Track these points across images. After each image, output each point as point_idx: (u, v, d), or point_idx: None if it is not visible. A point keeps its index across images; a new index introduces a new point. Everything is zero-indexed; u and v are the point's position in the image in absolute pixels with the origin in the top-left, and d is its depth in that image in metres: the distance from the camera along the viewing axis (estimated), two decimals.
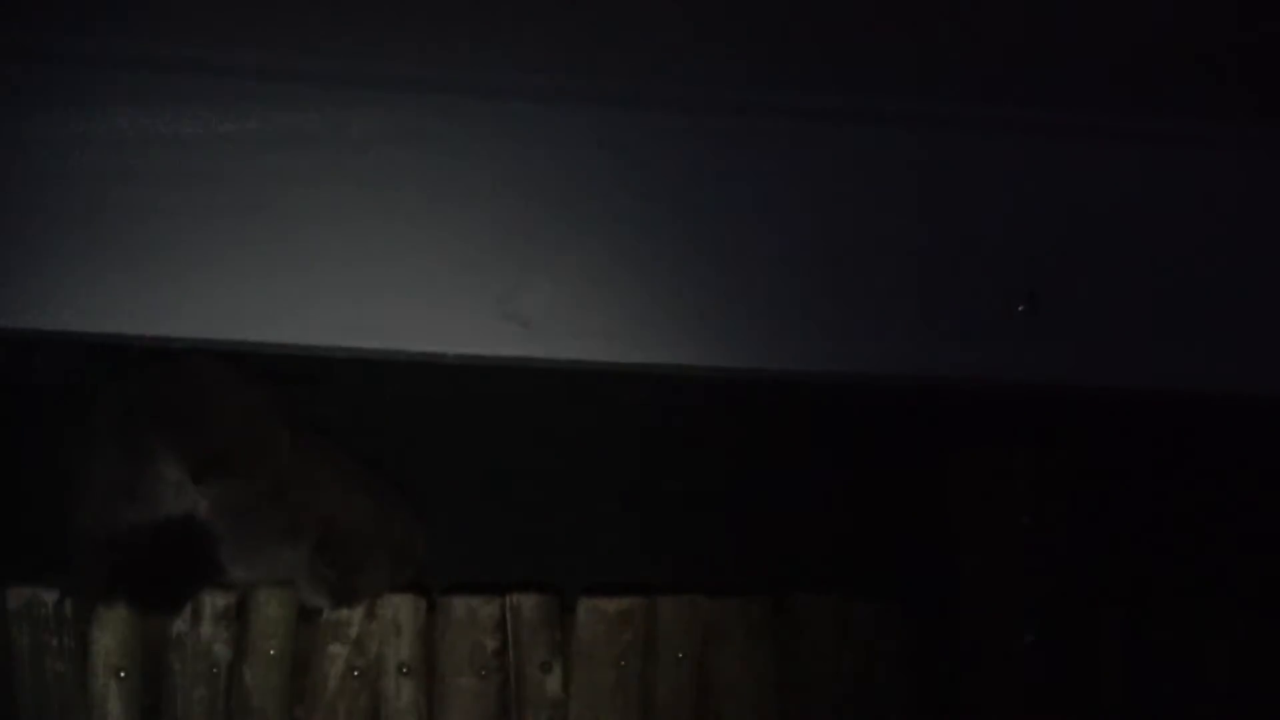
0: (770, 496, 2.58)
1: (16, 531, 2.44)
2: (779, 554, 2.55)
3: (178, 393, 2.37)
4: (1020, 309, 2.41)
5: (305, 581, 2.41)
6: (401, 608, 2.42)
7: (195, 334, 2.36)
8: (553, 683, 2.43)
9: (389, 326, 2.39)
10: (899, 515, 2.56)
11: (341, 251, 2.37)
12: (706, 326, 2.42)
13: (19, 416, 2.47)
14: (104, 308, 2.36)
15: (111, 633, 2.40)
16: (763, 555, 2.54)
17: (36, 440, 2.45)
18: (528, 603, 2.43)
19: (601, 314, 2.39)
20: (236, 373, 2.41)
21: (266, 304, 2.37)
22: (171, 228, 2.35)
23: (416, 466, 2.52)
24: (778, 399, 2.53)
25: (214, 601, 2.39)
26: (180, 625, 2.40)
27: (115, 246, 2.35)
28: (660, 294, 2.41)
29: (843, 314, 2.43)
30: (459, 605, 2.42)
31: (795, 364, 2.43)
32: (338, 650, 2.40)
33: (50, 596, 2.39)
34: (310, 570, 2.40)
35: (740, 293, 2.43)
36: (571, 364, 2.39)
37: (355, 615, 2.41)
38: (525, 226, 2.40)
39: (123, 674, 2.38)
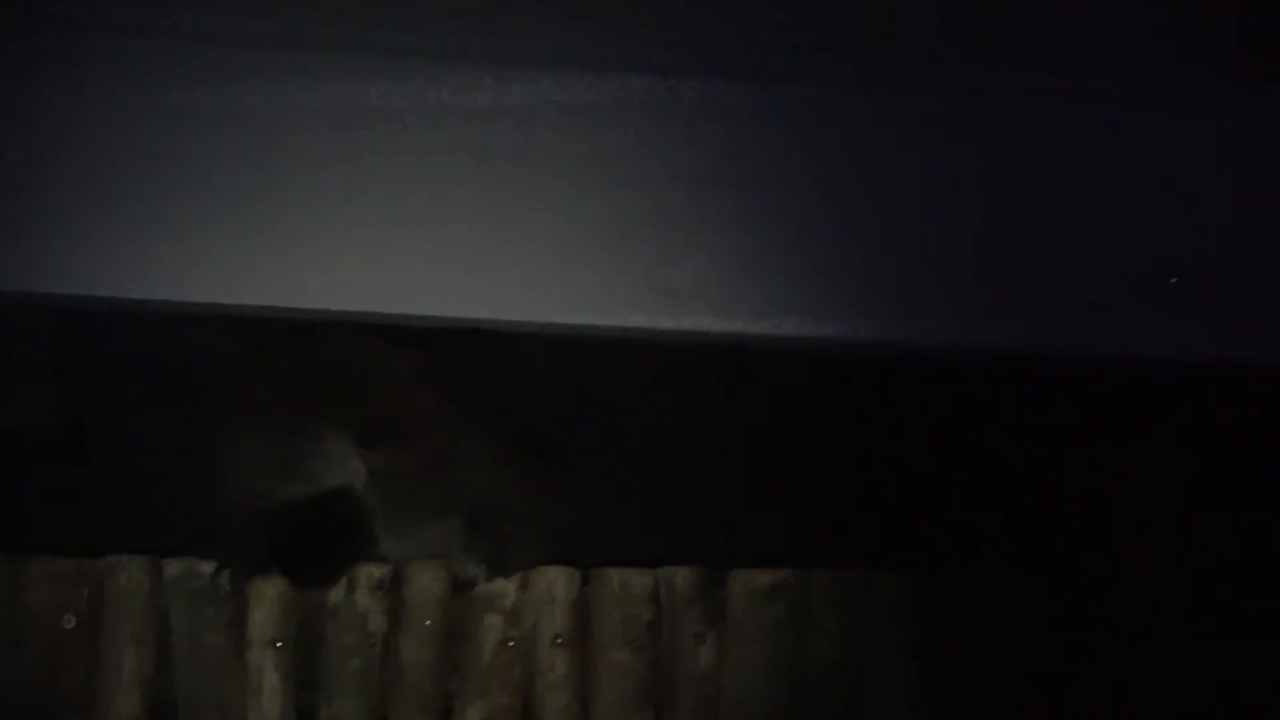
0: (920, 470, 2.57)
1: (171, 505, 2.45)
2: (929, 528, 2.54)
3: (337, 364, 2.39)
4: (1173, 281, 2.41)
5: (459, 554, 2.42)
6: (556, 580, 2.43)
7: (343, 306, 2.37)
8: (705, 656, 2.44)
9: (536, 299, 2.40)
10: (1049, 488, 2.55)
11: (489, 225, 2.38)
12: (856, 300, 2.42)
13: (166, 391, 2.49)
14: (248, 281, 2.38)
15: (267, 605, 2.41)
16: (913, 529, 2.54)
17: (183, 415, 2.46)
18: (680, 575, 2.44)
19: (751, 288, 2.40)
20: (386, 345, 2.42)
21: (415, 277, 2.38)
22: (318, 203, 2.37)
23: (564, 441, 2.53)
24: (926, 373, 2.53)
25: (369, 573, 2.41)
26: (336, 596, 2.40)
27: (260, 220, 2.38)
28: (810, 268, 2.41)
29: (995, 289, 2.42)
30: (613, 577, 2.44)
31: (947, 338, 2.42)
32: (493, 621, 2.42)
33: (206, 568, 2.41)
34: (464, 542, 2.42)
35: (887, 266, 2.42)
36: (719, 338, 2.40)
37: (510, 587, 2.42)
38: (674, 200, 2.40)
39: (279, 645, 2.39)
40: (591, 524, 2.49)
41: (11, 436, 2.53)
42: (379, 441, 2.39)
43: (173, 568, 2.44)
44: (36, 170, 2.35)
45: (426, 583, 2.43)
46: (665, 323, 2.40)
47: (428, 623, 2.42)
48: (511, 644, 2.43)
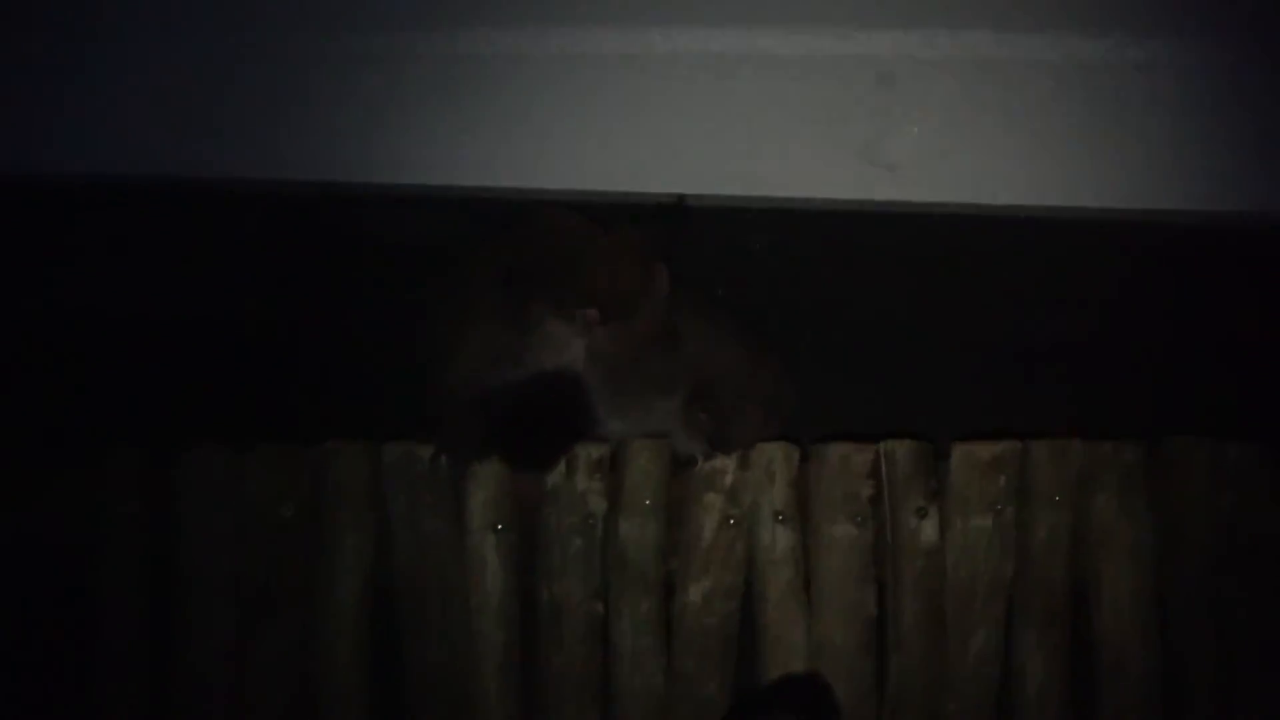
0: (1142, 340, 2.54)
1: (390, 389, 2.46)
2: (1153, 398, 2.51)
3: (555, 247, 2.38)
4: None
5: (679, 432, 2.42)
6: (775, 456, 2.43)
7: (561, 186, 2.37)
8: (928, 530, 2.43)
9: (753, 173, 2.39)
10: (1272, 357, 2.51)
11: (706, 99, 2.37)
12: (1074, 168, 2.39)
13: (384, 277, 2.50)
14: (468, 163, 2.38)
15: (487, 488, 2.42)
16: (1136, 399, 2.51)
17: (405, 298, 2.47)
18: (901, 449, 2.43)
19: (968, 157, 2.37)
20: (601, 226, 2.42)
21: (632, 154, 2.38)
22: (535, 81, 2.37)
23: (785, 315, 2.52)
24: (1145, 241, 2.50)
25: (588, 454, 2.41)
26: (555, 478, 2.41)
27: (478, 101, 2.37)
28: (1027, 135, 2.38)
29: (1226, 154, 2.38)
30: (832, 452, 2.43)
31: (1168, 204, 2.39)
32: (713, 499, 2.42)
33: (425, 453, 2.42)
34: (685, 420, 2.41)
35: (1112, 134, 2.39)
36: (937, 208, 2.38)
37: (729, 464, 2.42)
38: (892, 71, 2.38)
39: (499, 528, 2.39)
40: (812, 400, 2.47)
41: (229, 325, 2.54)
42: (606, 313, 2.38)
43: (391, 452, 2.43)
44: (251, 58, 2.35)
45: (645, 462, 2.42)
46: (883, 195, 2.38)
47: (647, 502, 2.41)
48: (732, 522, 2.42)
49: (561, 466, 2.42)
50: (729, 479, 2.42)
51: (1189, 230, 2.44)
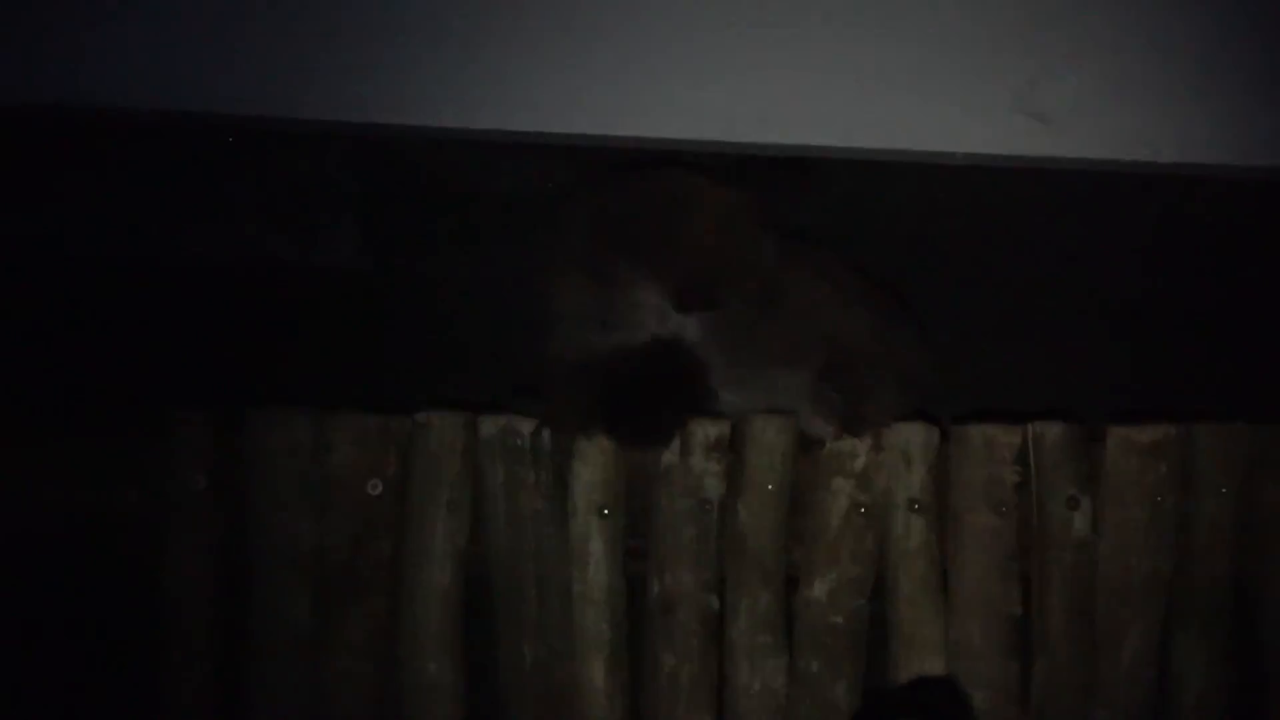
0: None
1: (486, 356, 2.29)
2: None
3: (650, 211, 2.20)
4: None
5: (806, 408, 2.23)
6: (912, 437, 2.25)
7: (681, 135, 2.19)
8: (1079, 521, 2.24)
9: (892, 123, 2.21)
10: None
11: (840, 44, 2.19)
12: (1248, 123, 2.19)
13: (488, 228, 2.33)
14: (574, 108, 2.20)
15: (593, 467, 2.25)
16: None
17: (499, 256, 2.29)
18: (1052, 432, 2.24)
19: (1130, 109, 2.18)
20: (715, 181, 2.22)
21: (758, 101, 2.21)
22: (655, 26, 2.18)
23: (922, 280, 2.34)
24: None
25: (705, 431, 2.23)
26: (668, 457, 2.23)
27: (592, 46, 2.20)
28: (1194, 88, 2.18)
29: None
30: (975, 435, 2.24)
31: None
32: (842, 484, 2.24)
33: (526, 427, 2.26)
34: (813, 396, 2.23)
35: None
36: (1095, 164, 2.18)
37: (861, 446, 2.23)
38: (1048, 12, 2.18)
39: (605, 511, 2.23)
40: (953, 374, 2.28)
41: (312, 279, 2.37)
42: (695, 297, 2.19)
43: (488, 425, 2.27)
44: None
45: (769, 441, 2.24)
46: (1036, 149, 2.18)
47: (770, 486, 2.24)
48: (862, 509, 2.24)
49: (675, 444, 2.20)
50: (860, 462, 2.24)
51: None
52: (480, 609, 2.27)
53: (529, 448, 2.24)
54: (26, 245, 2.37)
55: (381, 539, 2.28)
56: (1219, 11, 2.21)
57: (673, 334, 2.23)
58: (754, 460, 2.24)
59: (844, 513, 2.25)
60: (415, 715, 2.28)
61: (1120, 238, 2.35)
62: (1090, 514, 2.25)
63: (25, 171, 2.35)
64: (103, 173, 2.36)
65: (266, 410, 2.28)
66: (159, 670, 2.26)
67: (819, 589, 2.25)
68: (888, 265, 2.33)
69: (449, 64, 2.16)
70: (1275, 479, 2.26)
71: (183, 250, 2.38)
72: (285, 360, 2.33)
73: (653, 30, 2.17)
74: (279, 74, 2.18)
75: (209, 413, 2.28)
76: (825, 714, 2.26)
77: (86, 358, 2.32)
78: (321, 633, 2.28)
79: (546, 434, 2.24)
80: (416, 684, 2.28)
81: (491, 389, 2.28)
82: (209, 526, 2.29)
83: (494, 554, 2.29)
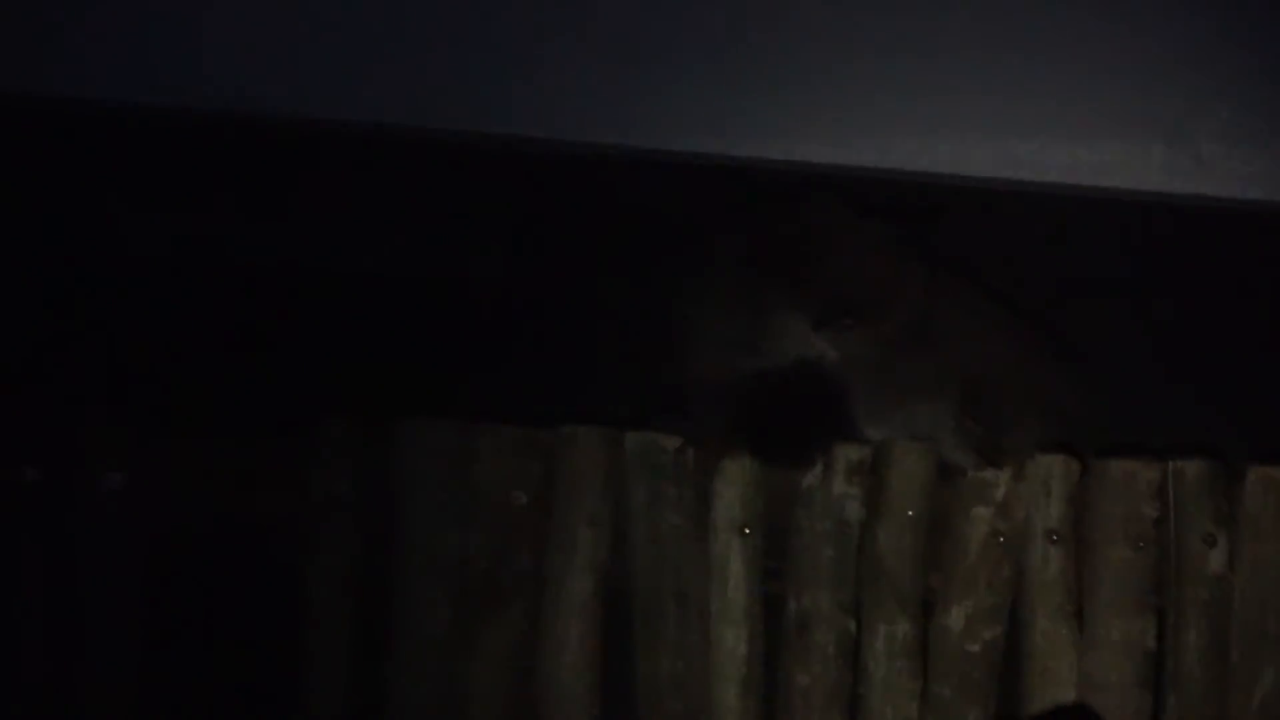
0: None
1: (633, 372, 2.33)
2: None
3: (797, 237, 2.24)
4: None
5: (948, 438, 2.27)
6: (1053, 469, 2.28)
7: (831, 160, 2.22)
8: (1216, 557, 2.27)
9: (1043, 158, 2.22)
10: None
11: (990, 76, 2.20)
12: None
13: (637, 246, 2.37)
14: (733, 128, 2.23)
15: (735, 486, 2.29)
16: None
17: (653, 273, 2.33)
18: (1192, 468, 2.26)
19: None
20: (864, 208, 2.26)
21: (914, 130, 2.22)
22: (811, 50, 2.21)
23: (1065, 311, 2.35)
24: None
25: (847, 455, 2.27)
26: (810, 480, 2.28)
27: (745, 65, 2.23)
28: None
29: None
30: (1115, 469, 2.27)
31: None
32: (981, 513, 2.27)
33: (671, 444, 2.30)
34: (955, 426, 2.26)
35: None
36: (1245, 204, 2.19)
37: (1001, 476, 2.27)
38: (1201, 47, 2.19)
39: (746, 531, 2.26)
40: (1095, 407, 2.30)
41: (460, 291, 2.42)
42: (838, 321, 2.23)
43: (633, 441, 2.31)
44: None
45: (910, 467, 2.29)
46: (1186, 186, 2.20)
47: (910, 512, 2.27)
48: (1001, 539, 2.26)
49: (818, 467, 2.24)
50: (1000, 492, 2.27)
51: None
52: (619, 624, 2.28)
53: (672, 464, 2.27)
54: (180, 249, 2.42)
55: (523, 551, 2.31)
56: None
57: (818, 359, 2.26)
58: (894, 485, 2.27)
59: (982, 541, 2.28)
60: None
61: (1267, 276, 2.36)
62: (1228, 551, 2.25)
63: (178, 175, 2.40)
64: (255, 179, 2.41)
65: (413, 420, 2.31)
66: (299, 675, 2.30)
67: (955, 616, 2.28)
68: (1035, 298, 2.35)
69: (604, 78, 2.20)
70: None
71: (336, 260, 2.42)
72: (434, 372, 2.37)
73: (809, 55, 2.20)
74: (428, 83, 2.22)
75: (356, 421, 2.31)
76: None
77: (240, 364, 2.37)
78: (460, 642, 2.31)
79: (690, 452, 2.26)
80: (553, 696, 2.31)
81: (637, 406, 2.30)
82: (353, 534, 2.32)
83: (634, 569, 2.33)
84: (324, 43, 2.21)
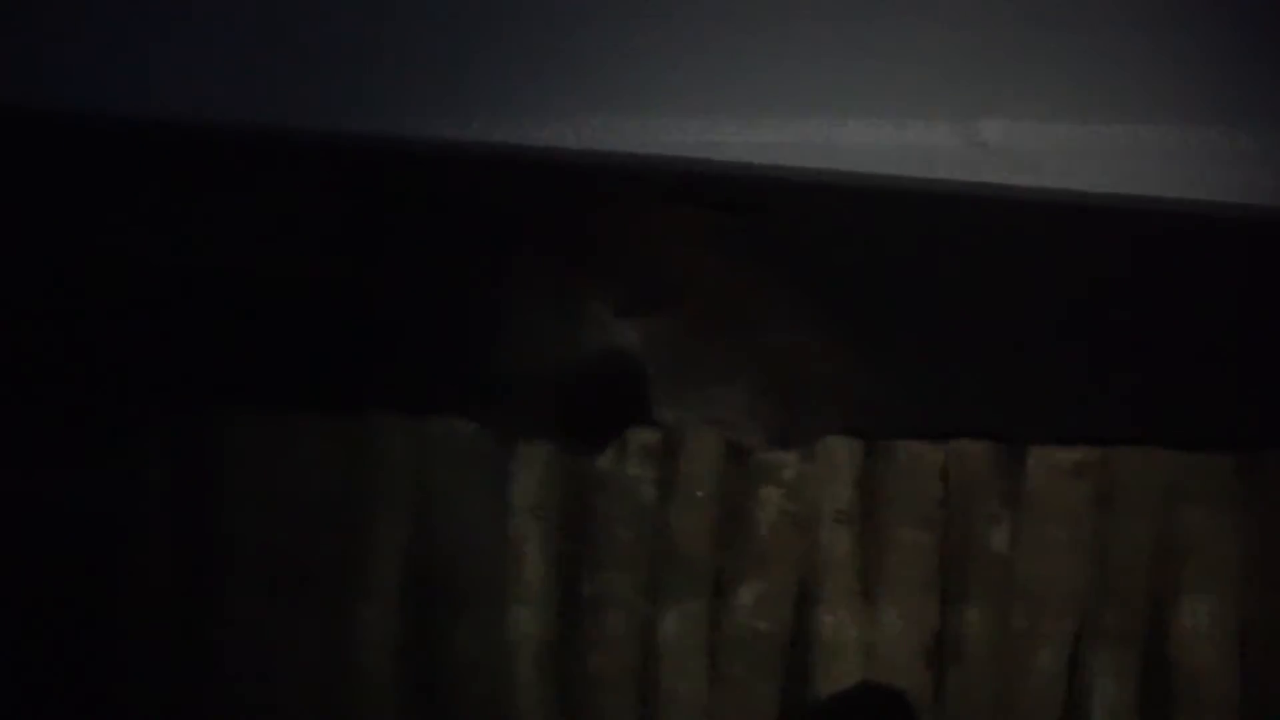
0: (1241, 344, 2.43)
1: (436, 362, 2.38)
2: (1249, 407, 2.40)
3: (601, 225, 2.30)
4: None
5: (742, 422, 2.33)
6: (839, 451, 2.34)
7: (633, 149, 2.28)
8: (998, 538, 2.33)
9: (842, 148, 2.29)
10: None
11: (794, 66, 2.27)
12: (1182, 156, 2.28)
13: (447, 239, 2.42)
14: (535, 119, 2.29)
15: (532, 470, 2.36)
16: (1231, 409, 2.40)
17: (451, 266, 2.39)
18: (974, 450, 2.33)
19: (1072, 140, 2.27)
20: (668, 198, 2.33)
21: (711, 121, 2.29)
22: (623, 41, 2.27)
23: (855, 301, 2.42)
24: (1259, 238, 2.38)
25: (640, 438, 2.33)
26: (605, 463, 2.33)
27: (545, 54, 2.29)
28: (1129, 121, 2.27)
29: None
30: (901, 450, 2.35)
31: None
32: (771, 494, 2.34)
33: (469, 429, 2.35)
34: (749, 411, 2.33)
35: (1220, 123, 2.27)
36: (1038, 193, 2.27)
37: (791, 458, 2.33)
38: (995, 43, 2.27)
39: (543, 514, 2.31)
40: (889, 393, 2.37)
41: (272, 283, 2.47)
42: (651, 302, 2.30)
43: (434, 427, 2.38)
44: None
45: (701, 450, 2.35)
46: (981, 176, 2.28)
47: (700, 493, 2.33)
48: (791, 520, 2.33)
49: (612, 451, 2.30)
50: (789, 473, 2.34)
51: None
52: (421, 608, 2.34)
53: (470, 450, 2.33)
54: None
55: (334, 536, 2.35)
56: (1156, 44, 2.29)
57: (618, 347, 2.32)
58: (686, 468, 2.34)
59: (772, 522, 2.34)
60: (356, 711, 2.36)
61: (1058, 265, 2.43)
62: (1009, 531, 2.33)
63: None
64: (79, 173, 2.45)
65: (225, 409, 2.37)
66: (114, 665, 2.37)
67: (745, 595, 2.34)
68: (834, 287, 2.42)
69: (420, 74, 2.25)
70: (1191, 503, 2.34)
71: (149, 253, 2.46)
72: (247, 363, 2.41)
73: (618, 46, 2.26)
74: (246, 79, 2.27)
75: (170, 410, 2.37)
76: (747, 717, 2.33)
77: (54, 354, 2.41)
78: (270, 629, 2.37)
79: (488, 436, 2.32)
80: (357, 681, 2.37)
81: (441, 394, 2.35)
82: (167, 523, 2.39)
83: (439, 552, 2.37)
84: (145, 39, 2.25)
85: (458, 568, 2.36)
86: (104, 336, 2.45)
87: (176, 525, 2.39)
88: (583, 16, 2.28)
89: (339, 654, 2.38)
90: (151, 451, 2.39)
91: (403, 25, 2.26)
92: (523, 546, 2.35)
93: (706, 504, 2.34)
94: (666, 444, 2.35)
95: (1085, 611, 2.35)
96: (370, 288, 2.45)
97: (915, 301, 2.45)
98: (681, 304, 2.33)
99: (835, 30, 2.27)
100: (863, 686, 2.34)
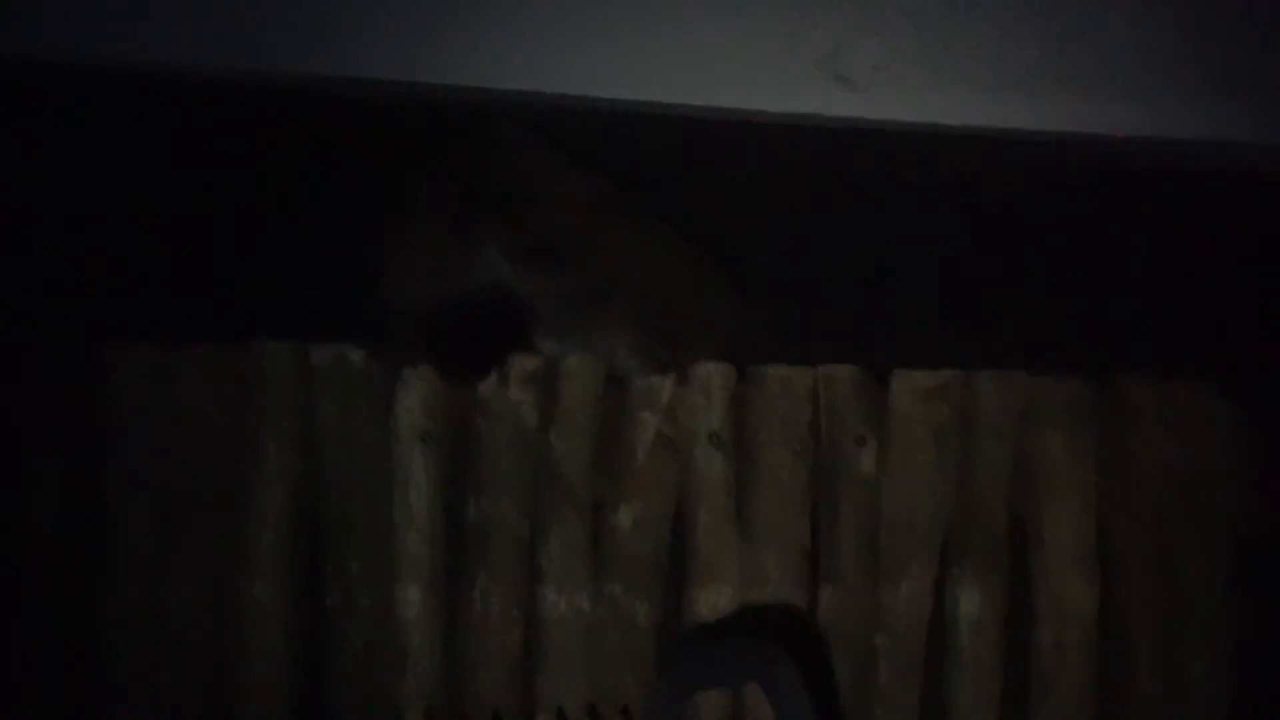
0: (1096, 272, 2.55)
1: (321, 292, 2.46)
2: (1103, 334, 2.52)
3: (505, 178, 2.39)
4: None
5: (618, 348, 2.43)
6: (713, 375, 2.44)
7: (520, 85, 2.35)
8: (866, 460, 2.43)
9: (708, 82, 2.37)
10: (1232, 297, 2.52)
11: (660, 3, 2.35)
12: (1046, 87, 2.37)
13: (321, 174, 2.50)
14: (419, 56, 2.36)
15: (417, 395, 2.43)
16: (1087, 335, 2.51)
17: (340, 198, 2.46)
18: (841, 373, 2.44)
19: (933, 72, 2.35)
20: (551, 139, 2.42)
21: (590, 58, 2.36)
22: None
23: (732, 233, 2.52)
24: (1109, 169, 2.49)
25: (523, 364, 2.42)
26: (487, 388, 2.41)
27: None
28: (998, 51, 2.36)
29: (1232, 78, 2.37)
30: (771, 375, 2.45)
31: (1135, 129, 2.38)
32: (648, 418, 2.43)
33: (357, 356, 2.43)
34: (628, 341, 2.42)
35: (1088, 49, 2.37)
36: (898, 126, 2.36)
37: (666, 382, 2.42)
38: None
39: (428, 438, 2.39)
40: (759, 322, 2.47)
41: (160, 213, 2.53)
42: (536, 240, 2.41)
43: (321, 354, 2.45)
44: None
45: (580, 376, 2.45)
46: (840, 109, 2.36)
47: (580, 418, 2.42)
48: (666, 442, 2.42)
49: (494, 377, 2.39)
50: (665, 397, 2.42)
51: (1155, 160, 2.42)
52: (311, 534, 2.43)
53: (359, 376, 2.41)
54: None
55: (222, 464, 2.42)
56: None
57: (502, 282, 2.42)
58: (565, 393, 2.42)
59: (648, 446, 2.43)
60: (246, 636, 2.42)
61: (921, 197, 2.54)
62: (875, 453, 2.43)
63: None
64: None
65: (113, 342, 2.44)
66: (11, 602, 2.39)
67: (624, 517, 2.43)
68: (705, 219, 2.51)
69: (312, 4, 2.31)
70: (1050, 426, 2.45)
71: (37, 186, 2.51)
72: (134, 296, 2.47)
73: None
74: (130, 13, 2.32)
75: (58, 345, 2.43)
76: (627, 635, 2.43)
77: None
78: (163, 558, 2.43)
79: (375, 363, 2.40)
80: (248, 606, 2.43)
81: (330, 326, 2.42)
82: (58, 457, 2.43)
83: (325, 479, 2.45)
84: None
85: (347, 494, 2.41)
86: None
87: (67, 457, 2.43)
88: None
89: (229, 581, 2.41)
90: (42, 387, 2.43)
91: None
92: (408, 472, 2.41)
93: (586, 428, 2.41)
94: (547, 370, 2.41)
95: (950, 529, 2.43)
96: (263, 220, 2.52)
97: (784, 234, 2.54)
98: (564, 243, 2.42)
99: None
100: (742, 610, 2.41)
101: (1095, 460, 2.46)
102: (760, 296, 2.51)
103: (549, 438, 2.42)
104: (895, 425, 2.43)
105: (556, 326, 2.43)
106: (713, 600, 2.44)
